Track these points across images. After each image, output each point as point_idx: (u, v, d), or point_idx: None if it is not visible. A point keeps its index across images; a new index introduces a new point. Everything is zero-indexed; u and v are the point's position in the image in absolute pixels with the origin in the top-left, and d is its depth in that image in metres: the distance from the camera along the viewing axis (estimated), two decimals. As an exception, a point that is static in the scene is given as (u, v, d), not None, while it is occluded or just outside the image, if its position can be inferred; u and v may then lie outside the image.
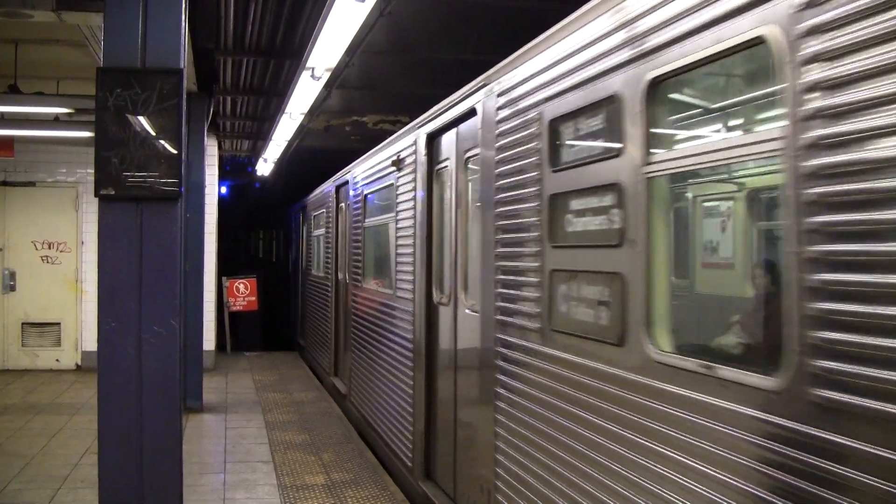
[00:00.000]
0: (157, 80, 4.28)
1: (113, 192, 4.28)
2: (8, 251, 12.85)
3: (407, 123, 7.21)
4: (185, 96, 4.39)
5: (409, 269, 6.56)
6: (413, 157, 6.53)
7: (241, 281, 16.53)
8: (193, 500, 6.39)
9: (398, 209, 6.99)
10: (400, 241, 6.92)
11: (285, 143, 13.26)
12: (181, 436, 4.56)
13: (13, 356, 12.84)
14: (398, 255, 6.97)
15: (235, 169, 20.35)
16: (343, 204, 10.51)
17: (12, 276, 12.82)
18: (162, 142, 4.31)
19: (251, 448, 8.28)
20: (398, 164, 6.95)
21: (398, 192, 7.00)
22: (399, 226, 6.95)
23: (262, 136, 14.20)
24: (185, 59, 4.44)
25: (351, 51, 7.36)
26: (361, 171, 9.05)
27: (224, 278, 16.15)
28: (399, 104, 11.68)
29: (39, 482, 6.92)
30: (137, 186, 4.29)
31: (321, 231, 12.60)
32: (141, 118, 4.28)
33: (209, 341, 12.81)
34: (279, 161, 15.94)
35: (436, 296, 6.04)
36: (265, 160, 15.89)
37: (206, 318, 11.27)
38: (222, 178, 17.27)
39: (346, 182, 10.10)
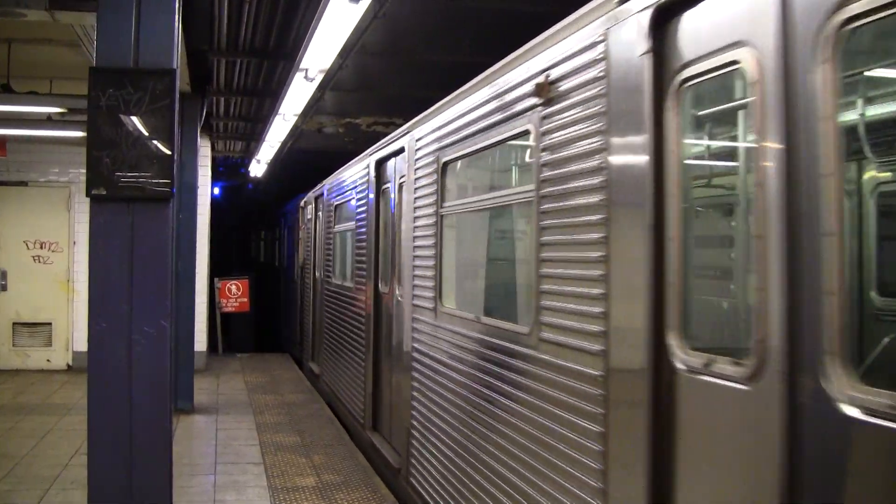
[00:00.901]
0: (150, 81, 4.28)
1: (104, 192, 4.27)
2: (-1, 251, 12.82)
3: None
4: (177, 96, 4.38)
5: (590, 291, 3.33)
6: (599, 68, 3.33)
7: (233, 282, 16.50)
8: (183, 501, 6.37)
9: (544, 178, 3.83)
10: (550, 238, 3.73)
11: (279, 145, 13.26)
12: (171, 437, 4.55)
13: (4, 356, 12.78)
14: (545, 264, 3.77)
15: (228, 170, 20.34)
16: (392, 184, 7.39)
17: (4, 275, 12.76)
18: (154, 142, 4.30)
19: (242, 449, 8.26)
20: (545, 91, 3.86)
21: (545, 148, 3.81)
22: (547, 208, 3.77)
23: (255, 138, 14.20)
24: (178, 60, 4.44)
25: (345, 52, 7.36)
26: (437, 127, 5.64)
27: (216, 279, 16.13)
28: (393, 106, 11.68)
29: (29, 483, 6.89)
30: (129, 187, 4.28)
31: (348, 225, 9.49)
32: (133, 118, 4.28)
33: (201, 342, 12.78)
34: (272, 162, 15.93)
35: (681, 355, 2.78)
36: (258, 161, 15.88)
37: (197, 319, 11.25)
38: (215, 178, 17.24)
39: (399, 151, 6.91)
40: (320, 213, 12.01)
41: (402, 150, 6.80)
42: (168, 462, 4.42)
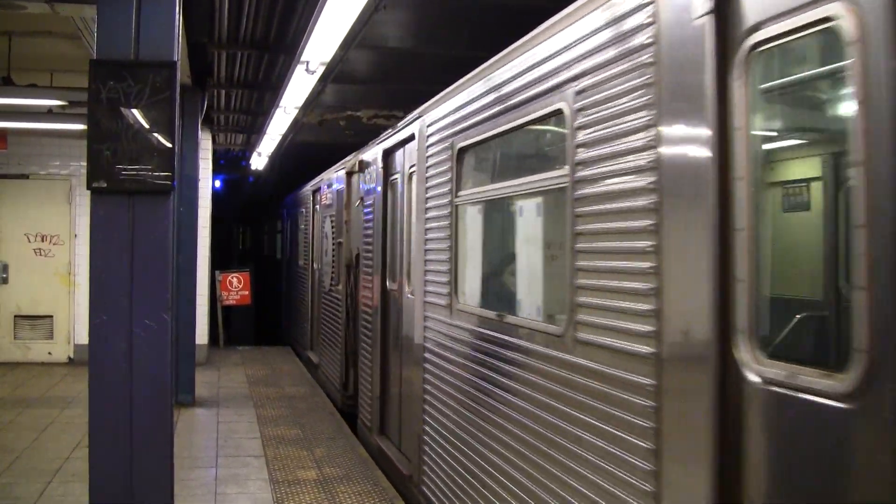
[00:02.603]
0: (151, 73, 4.26)
1: (105, 185, 4.26)
2: (0, 244, 12.80)
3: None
4: (178, 89, 4.37)
5: None
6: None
7: (234, 275, 16.50)
8: (184, 494, 6.38)
9: None
10: None
11: (279, 138, 13.24)
12: (172, 430, 4.56)
13: (5, 349, 12.80)
14: None
15: (229, 163, 20.32)
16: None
17: (5, 268, 12.78)
18: (155, 135, 4.29)
19: (243, 442, 8.27)
20: None
21: None
22: None
23: (256, 130, 14.18)
24: (178, 52, 4.42)
25: (345, 45, 7.34)
26: None
27: (217, 272, 16.13)
28: (393, 99, 11.66)
29: (29, 476, 6.90)
30: (130, 179, 4.27)
31: (497, 190, 4.91)
32: (134, 111, 4.26)
33: (201, 335, 12.78)
34: (273, 155, 15.89)
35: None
36: (259, 154, 15.85)
37: (198, 312, 11.26)
38: (216, 171, 17.20)
39: None
40: (395, 177, 7.55)
41: None
42: (169, 455, 4.42)
